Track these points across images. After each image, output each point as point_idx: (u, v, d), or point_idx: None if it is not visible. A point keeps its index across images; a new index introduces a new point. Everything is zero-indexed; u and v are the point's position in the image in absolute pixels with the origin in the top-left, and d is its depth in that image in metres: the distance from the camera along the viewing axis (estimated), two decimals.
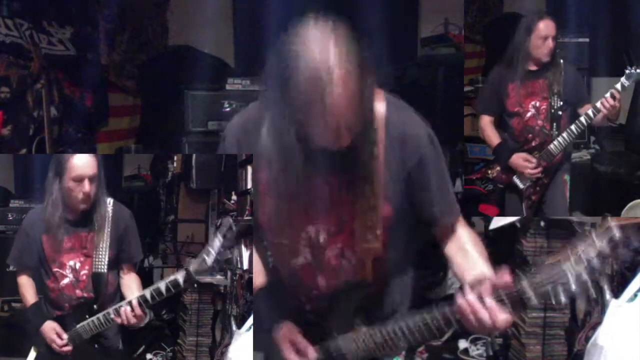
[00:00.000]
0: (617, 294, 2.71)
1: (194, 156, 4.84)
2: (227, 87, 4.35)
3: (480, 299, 1.51)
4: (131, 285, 2.61)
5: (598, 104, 3.07)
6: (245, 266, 3.86)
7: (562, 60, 3.31)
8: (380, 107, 1.64)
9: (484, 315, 1.50)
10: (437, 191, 1.72)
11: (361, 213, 1.65)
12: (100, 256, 2.50)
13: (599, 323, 2.67)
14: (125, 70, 5.23)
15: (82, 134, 4.71)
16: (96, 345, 2.49)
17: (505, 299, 1.50)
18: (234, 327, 3.73)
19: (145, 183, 5.87)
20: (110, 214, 2.54)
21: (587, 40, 4.60)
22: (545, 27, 3.22)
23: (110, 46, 5.01)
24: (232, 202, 4.32)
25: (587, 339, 2.84)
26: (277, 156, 1.57)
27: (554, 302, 1.46)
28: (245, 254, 3.92)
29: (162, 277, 5.00)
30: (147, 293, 2.26)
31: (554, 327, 3.28)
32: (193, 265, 2.12)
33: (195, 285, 2.23)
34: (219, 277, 4.20)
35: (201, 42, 5.28)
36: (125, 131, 5.22)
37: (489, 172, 3.46)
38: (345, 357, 1.71)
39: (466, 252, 1.76)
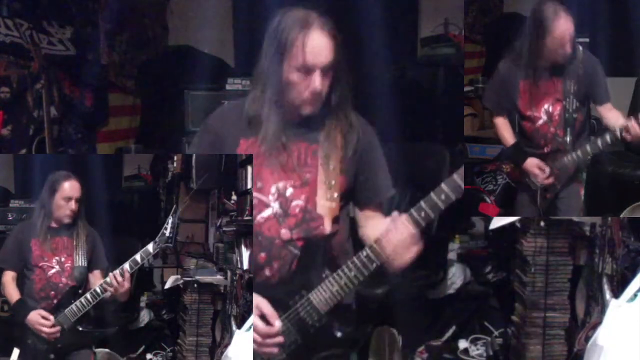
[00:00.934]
0: (617, 294, 2.72)
1: (194, 156, 4.84)
2: (227, 87, 4.35)
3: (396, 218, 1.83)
4: (97, 283, 3.00)
5: (617, 132, 2.85)
6: (245, 266, 3.86)
7: (581, 48, 3.00)
8: (346, 112, 2.04)
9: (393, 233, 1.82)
10: (374, 174, 2.08)
11: (323, 175, 1.98)
12: (80, 254, 3.05)
13: (599, 323, 2.67)
14: (125, 70, 5.23)
15: (82, 134, 4.72)
16: (80, 328, 2.96)
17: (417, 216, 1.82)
18: (234, 327, 3.74)
19: (145, 183, 5.87)
20: (86, 230, 3.11)
21: (587, 40, 4.59)
22: (563, 26, 2.85)
23: (110, 46, 5.01)
24: (232, 202, 4.32)
25: (587, 339, 2.84)
26: (260, 124, 1.98)
27: None
28: (245, 254, 3.92)
29: (162, 277, 5.01)
30: (126, 264, 2.84)
31: (554, 327, 3.28)
32: (157, 237, 2.83)
33: (162, 248, 2.89)
34: (219, 277, 4.21)
35: (201, 42, 5.28)
36: (125, 131, 5.22)
37: (504, 166, 3.36)
38: (318, 309, 1.91)
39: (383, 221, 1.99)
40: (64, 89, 4.56)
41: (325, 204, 1.99)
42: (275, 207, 2.01)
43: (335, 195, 2.00)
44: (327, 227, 1.99)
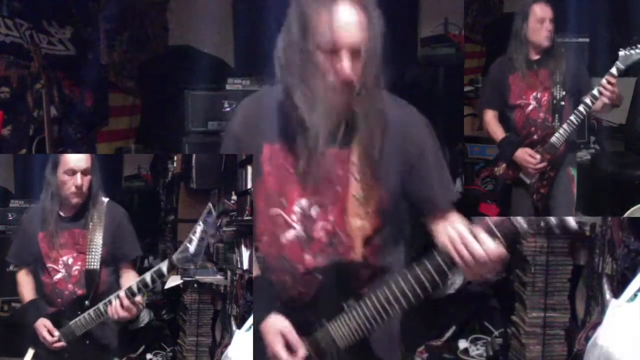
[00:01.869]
0: (617, 294, 2.71)
1: (194, 156, 4.84)
2: (227, 87, 4.35)
3: (472, 229, 1.49)
4: (128, 283, 2.56)
5: (595, 91, 3.00)
6: (245, 266, 3.86)
7: (562, 48, 3.27)
8: (382, 97, 1.70)
9: (476, 247, 1.46)
10: (437, 176, 1.75)
11: (356, 189, 1.68)
12: (93, 253, 2.53)
13: (599, 323, 2.66)
14: (125, 70, 5.23)
15: (82, 134, 4.72)
16: (88, 342, 2.49)
17: (496, 230, 1.46)
18: (234, 327, 3.73)
19: (145, 183, 5.87)
20: (105, 213, 2.58)
21: (587, 40, 4.60)
22: (540, 9, 3.17)
23: (110, 46, 5.01)
24: (232, 202, 4.32)
25: (587, 339, 2.84)
26: (281, 127, 1.68)
27: (551, 225, 1.47)
28: (245, 254, 3.92)
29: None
30: (134, 285, 2.27)
31: (554, 327, 3.28)
32: (176, 255, 2.12)
33: (181, 276, 2.26)
34: (219, 277, 4.21)
35: (201, 42, 5.28)
36: (125, 131, 5.22)
37: (496, 169, 3.42)
38: (336, 344, 1.66)
39: (457, 227, 1.68)
40: (64, 89, 4.55)
41: (356, 222, 1.68)
42: (298, 229, 1.72)
43: (369, 211, 1.69)
44: (357, 250, 1.70)
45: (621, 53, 3.00)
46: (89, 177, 2.54)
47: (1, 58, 4.12)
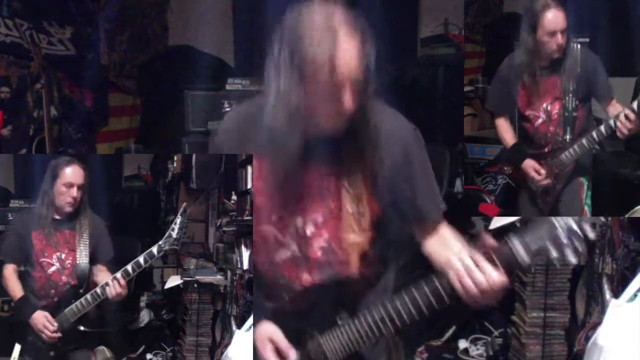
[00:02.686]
0: (617, 294, 2.72)
1: (194, 156, 4.84)
2: (227, 87, 4.35)
3: (474, 258, 1.47)
4: (102, 274, 2.93)
5: (612, 122, 2.79)
6: (245, 266, 3.86)
7: (578, 46, 2.98)
8: (372, 112, 1.65)
9: (480, 277, 1.45)
10: (422, 189, 1.72)
11: (350, 204, 1.65)
12: (82, 250, 2.89)
13: (599, 323, 2.67)
14: (125, 70, 5.23)
15: (82, 134, 4.72)
16: (81, 327, 2.84)
17: (497, 260, 1.44)
18: (234, 327, 3.74)
19: (145, 183, 5.87)
20: (89, 221, 2.94)
21: (587, 40, 4.59)
22: (552, 19, 2.84)
23: (110, 46, 5.01)
24: (232, 202, 4.32)
25: (587, 339, 2.84)
26: (272, 143, 1.60)
27: (551, 258, 1.40)
28: (245, 254, 3.92)
29: (162, 277, 5.01)
30: (129, 266, 2.73)
31: (554, 327, 3.28)
32: (162, 240, 2.71)
33: (167, 252, 2.76)
34: (219, 277, 4.21)
35: (201, 42, 5.28)
36: (125, 131, 5.22)
37: (506, 168, 3.35)
38: (326, 356, 1.66)
39: (448, 244, 1.71)
40: (64, 89, 4.56)
41: (351, 238, 1.66)
42: (294, 249, 1.70)
43: (365, 226, 1.67)
44: (353, 266, 1.68)
45: None
46: (81, 190, 2.89)
47: (1, 58, 4.12)
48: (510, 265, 1.45)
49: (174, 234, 2.68)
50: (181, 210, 2.74)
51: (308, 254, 1.70)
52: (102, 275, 2.90)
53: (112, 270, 2.84)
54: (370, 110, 1.61)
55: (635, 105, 2.72)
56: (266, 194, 1.71)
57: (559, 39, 2.89)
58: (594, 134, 2.90)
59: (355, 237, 1.67)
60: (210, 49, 5.32)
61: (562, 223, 1.39)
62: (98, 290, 2.76)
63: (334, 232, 1.68)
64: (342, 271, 1.69)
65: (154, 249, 2.70)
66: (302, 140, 1.57)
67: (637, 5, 4.37)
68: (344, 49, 1.50)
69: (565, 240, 1.39)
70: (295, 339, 1.69)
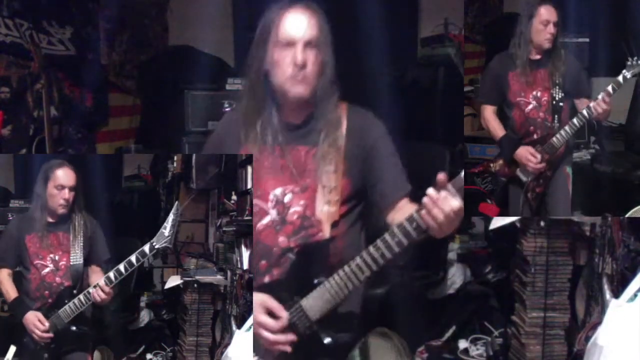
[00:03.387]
0: (617, 294, 2.72)
1: (194, 156, 4.84)
2: (227, 87, 4.35)
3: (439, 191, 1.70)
4: (95, 275, 2.97)
5: (592, 104, 3.04)
6: (245, 266, 3.86)
7: (563, 50, 3.25)
8: (342, 106, 2.02)
9: (444, 204, 1.69)
10: (389, 171, 2.00)
11: (323, 178, 1.94)
12: (76, 252, 2.93)
13: (599, 323, 2.67)
14: (125, 70, 5.23)
15: (82, 134, 4.72)
16: (74, 328, 2.86)
17: (453, 187, 1.69)
18: (234, 327, 3.74)
19: (145, 183, 5.86)
20: (83, 223, 2.97)
21: (587, 40, 4.60)
22: (546, 11, 3.17)
23: (110, 46, 5.01)
24: (232, 202, 4.32)
25: (587, 339, 2.84)
26: (255, 129, 1.99)
27: None
28: (245, 254, 3.92)
29: (162, 277, 5.01)
30: (121, 266, 2.75)
31: (554, 327, 3.28)
32: (155, 238, 2.69)
33: (155, 251, 2.73)
34: (219, 277, 4.21)
35: (201, 42, 5.27)
36: (125, 131, 5.22)
37: (492, 165, 3.41)
38: (308, 317, 1.86)
39: (406, 209, 1.90)
40: (64, 89, 4.56)
41: (324, 208, 1.95)
42: (273, 214, 1.99)
43: (336, 198, 1.95)
44: (326, 232, 1.94)
45: (628, 62, 3.01)
46: (74, 192, 2.92)
47: (1, 58, 4.12)
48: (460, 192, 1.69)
49: (166, 232, 2.68)
50: (174, 208, 2.74)
51: (285, 218, 1.97)
52: (96, 276, 2.94)
53: (107, 271, 2.85)
54: (334, 102, 1.98)
55: (620, 78, 3.00)
56: (255, 172, 2.02)
57: (551, 28, 3.17)
58: (584, 111, 3.09)
59: (325, 208, 1.94)
60: (210, 49, 5.31)
61: None
62: (91, 289, 2.80)
63: (309, 201, 1.96)
64: (316, 236, 1.95)
65: (146, 248, 2.71)
66: (278, 125, 1.97)
67: (637, 5, 4.37)
68: (294, 13, 1.93)
69: None
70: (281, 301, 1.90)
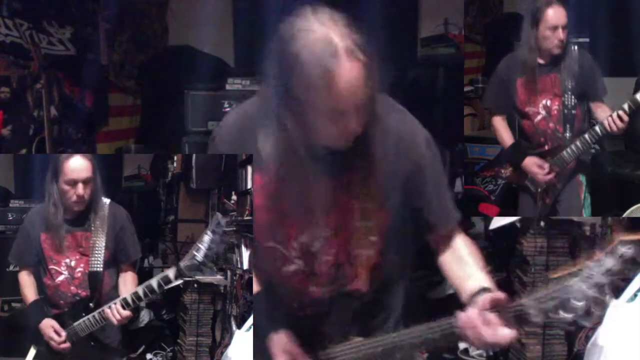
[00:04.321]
0: (617, 294, 2.71)
1: (194, 156, 4.84)
2: (227, 87, 4.35)
3: (482, 314, 1.45)
4: (127, 284, 2.64)
5: (605, 122, 2.87)
6: (245, 266, 3.86)
7: (575, 48, 3.01)
8: (381, 114, 1.55)
9: (486, 331, 1.44)
10: (435, 197, 1.65)
11: (358, 217, 1.57)
12: (96, 255, 2.54)
13: (599, 323, 2.66)
14: (125, 70, 5.22)
15: (82, 134, 4.71)
16: (93, 343, 2.52)
17: (507, 314, 1.44)
18: (234, 327, 3.73)
19: (145, 183, 5.87)
20: (107, 215, 2.59)
21: (587, 40, 4.59)
22: (554, 14, 2.90)
23: (110, 46, 5.01)
24: (232, 202, 4.32)
25: (587, 339, 2.84)
26: (273, 157, 1.52)
27: (557, 318, 1.39)
28: (245, 254, 3.92)
29: None
30: (140, 290, 2.33)
31: (554, 327, 3.27)
32: (184, 262, 2.15)
33: (186, 281, 2.26)
34: (219, 277, 4.21)
35: (201, 42, 5.27)
36: (125, 131, 5.22)
37: (503, 171, 3.34)
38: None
39: (463, 262, 1.67)
40: (64, 89, 4.55)
41: (362, 252, 1.60)
42: (300, 264, 1.63)
43: (374, 239, 1.60)
44: (363, 280, 1.63)
45: None
46: (90, 185, 2.53)
47: (1, 58, 4.11)
48: (519, 321, 1.43)
49: (199, 256, 2.08)
50: (213, 222, 2.05)
51: (314, 270, 1.63)
52: (127, 278, 2.63)
53: (140, 271, 2.63)
54: (377, 124, 1.52)
55: (626, 106, 2.80)
56: (267, 209, 1.62)
57: (560, 34, 2.94)
58: (597, 128, 2.92)
59: (364, 251, 1.61)
60: (210, 49, 5.31)
61: (578, 287, 1.35)
62: (105, 309, 2.43)
63: (343, 247, 1.60)
64: (352, 286, 1.64)
65: (171, 274, 2.21)
66: (303, 156, 1.47)
67: (637, 5, 4.37)
68: (346, 71, 1.38)
69: (578, 304, 1.36)
70: (307, 344, 1.66)
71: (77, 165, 2.49)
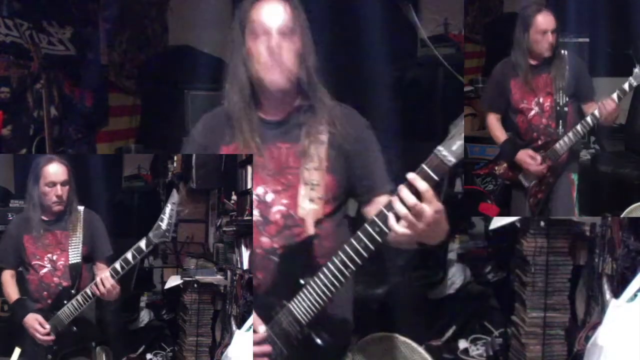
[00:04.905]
0: (617, 294, 2.72)
1: (194, 156, 4.84)
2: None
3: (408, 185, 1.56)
4: None
5: (596, 110, 3.01)
6: (245, 266, 3.86)
7: (565, 52, 3.19)
8: (326, 98, 1.95)
9: (411, 199, 1.54)
10: (376, 166, 1.96)
11: (305, 175, 1.88)
12: (75, 250, 2.84)
13: (599, 323, 2.67)
14: (125, 70, 5.23)
15: (82, 134, 4.71)
16: (75, 328, 2.77)
17: (428, 168, 1.56)
18: (234, 327, 3.74)
19: (145, 183, 5.87)
20: (82, 216, 2.89)
21: (587, 40, 4.59)
22: (543, 20, 3.09)
23: (110, 46, 5.01)
24: (232, 202, 4.32)
25: (587, 339, 2.84)
26: (234, 127, 1.93)
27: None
28: (245, 254, 3.92)
29: (162, 277, 5.01)
30: (117, 264, 2.62)
31: (554, 327, 3.28)
32: (152, 232, 2.53)
33: (152, 247, 2.56)
34: (219, 277, 4.21)
35: (201, 42, 5.27)
36: (125, 131, 5.22)
37: (496, 168, 3.40)
38: (298, 321, 1.77)
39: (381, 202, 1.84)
40: (64, 89, 4.55)
41: (307, 206, 1.88)
42: (255, 214, 1.92)
43: (319, 195, 1.88)
44: (309, 230, 1.87)
45: (636, 70, 2.96)
46: (67, 187, 2.83)
47: (1, 58, 4.11)
48: (441, 170, 1.56)
49: (163, 225, 2.48)
50: (171, 197, 2.53)
51: (268, 217, 1.91)
52: (102, 272, 2.81)
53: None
54: (319, 89, 1.92)
55: (626, 85, 2.98)
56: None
57: (550, 37, 3.11)
58: (588, 118, 3.06)
59: (309, 205, 1.88)
60: (210, 49, 5.31)
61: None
62: (88, 290, 2.70)
63: (292, 200, 1.90)
64: (299, 235, 1.88)
65: (142, 243, 2.54)
66: (254, 123, 1.91)
67: (637, 5, 4.37)
68: (271, 5, 1.89)
69: None
70: (266, 313, 1.83)
71: (55, 169, 2.81)
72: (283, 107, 1.95)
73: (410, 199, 1.53)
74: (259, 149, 1.91)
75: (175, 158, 5.38)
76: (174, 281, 4.35)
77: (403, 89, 4.77)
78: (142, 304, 4.86)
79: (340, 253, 1.69)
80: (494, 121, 3.39)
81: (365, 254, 1.66)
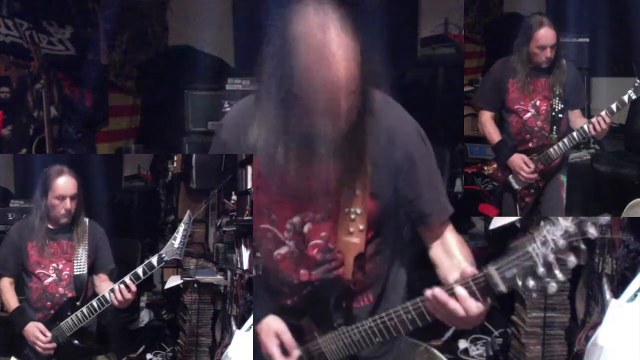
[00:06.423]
0: (617, 294, 2.71)
1: (194, 156, 4.84)
2: (227, 87, 4.35)
3: (449, 290, 1.47)
4: (104, 290, 2.77)
5: (585, 126, 3.06)
6: (245, 266, 3.86)
7: (564, 61, 3.24)
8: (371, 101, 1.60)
9: (455, 305, 1.45)
10: (428, 188, 1.70)
11: (347, 204, 1.64)
12: (80, 261, 2.80)
13: (599, 323, 2.66)
14: (125, 70, 5.23)
15: (82, 134, 4.72)
16: (77, 341, 2.72)
17: (473, 286, 1.44)
18: (234, 327, 3.73)
19: (145, 183, 5.87)
20: (87, 228, 2.86)
21: (587, 40, 4.60)
22: (544, 36, 3.13)
23: (110, 46, 5.01)
24: (232, 202, 4.32)
25: (587, 339, 2.84)
26: (268, 143, 1.58)
27: (521, 287, 1.38)
28: (245, 254, 3.92)
29: (162, 277, 5.01)
30: (127, 278, 2.57)
31: (554, 327, 3.28)
32: (164, 249, 2.53)
33: (164, 264, 2.56)
34: (219, 277, 4.21)
35: (201, 42, 5.28)
36: (125, 131, 5.23)
37: (485, 168, 3.43)
38: (325, 357, 1.68)
39: (452, 255, 1.72)
40: (64, 89, 4.56)
41: (347, 239, 1.66)
42: (291, 245, 1.71)
43: (361, 227, 1.65)
44: (348, 267, 1.68)
45: (637, 84, 2.97)
46: (76, 200, 2.80)
47: (1, 58, 4.12)
48: (486, 292, 1.44)
49: (176, 244, 2.49)
50: (185, 217, 2.53)
51: (304, 252, 1.70)
52: (105, 285, 2.80)
53: (114, 279, 2.73)
54: (370, 115, 1.57)
55: (626, 97, 2.99)
56: (265, 191, 1.72)
57: (548, 52, 3.16)
58: (585, 126, 3.08)
59: (351, 238, 1.66)
60: (210, 49, 5.32)
61: (539, 252, 1.35)
62: (94, 303, 2.64)
63: (331, 231, 1.67)
64: (337, 269, 1.69)
65: (154, 260, 2.54)
66: (300, 141, 1.53)
67: (637, 5, 4.37)
68: (338, 72, 1.43)
69: (540, 270, 1.36)
70: (295, 335, 1.70)
71: (66, 183, 2.77)
72: (325, 131, 1.54)
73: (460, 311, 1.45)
74: (302, 168, 1.59)
75: (175, 158, 5.38)
76: (174, 281, 4.34)
77: (403, 89, 4.77)
78: (142, 304, 4.86)
79: (378, 319, 1.58)
80: (487, 119, 3.41)
81: (410, 327, 1.56)
